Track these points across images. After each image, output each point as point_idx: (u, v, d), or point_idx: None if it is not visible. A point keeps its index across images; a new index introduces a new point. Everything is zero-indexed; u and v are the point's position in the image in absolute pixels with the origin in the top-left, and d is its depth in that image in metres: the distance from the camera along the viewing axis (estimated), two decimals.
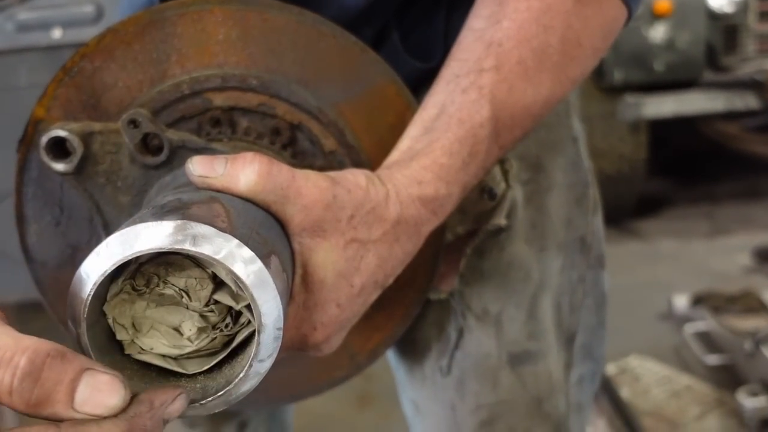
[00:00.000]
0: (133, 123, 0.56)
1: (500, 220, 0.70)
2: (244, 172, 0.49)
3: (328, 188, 0.52)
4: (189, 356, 0.46)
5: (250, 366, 0.44)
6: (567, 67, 0.63)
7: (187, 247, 0.41)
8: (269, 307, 0.43)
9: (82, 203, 0.63)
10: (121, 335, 0.45)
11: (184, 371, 0.46)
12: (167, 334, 0.46)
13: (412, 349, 0.80)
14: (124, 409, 0.39)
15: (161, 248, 0.41)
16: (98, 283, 0.41)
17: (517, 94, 0.61)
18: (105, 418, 0.38)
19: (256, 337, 0.43)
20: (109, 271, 0.41)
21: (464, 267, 0.74)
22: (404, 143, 0.60)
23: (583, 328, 0.83)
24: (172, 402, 0.41)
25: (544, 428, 0.79)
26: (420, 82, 0.71)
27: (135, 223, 0.42)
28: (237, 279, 0.42)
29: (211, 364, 0.46)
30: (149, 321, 0.45)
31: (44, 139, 0.56)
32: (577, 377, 0.83)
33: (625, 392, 2.32)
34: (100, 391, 0.38)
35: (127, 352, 0.46)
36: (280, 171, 0.50)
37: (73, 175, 0.57)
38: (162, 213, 0.43)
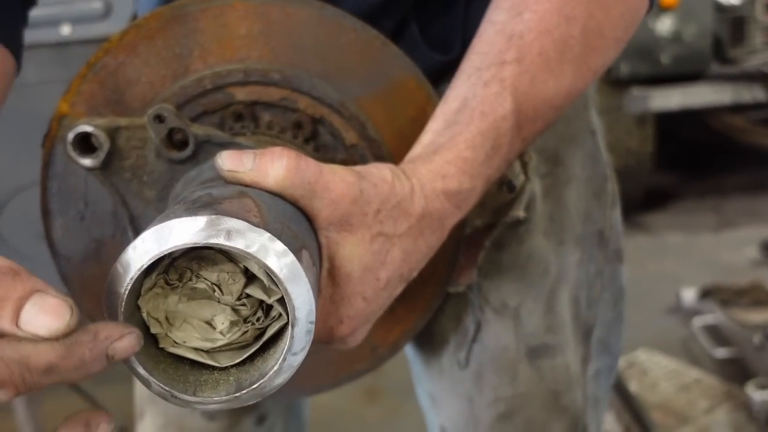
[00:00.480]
0: (159, 118, 0.56)
1: (519, 212, 0.70)
2: (272, 166, 0.49)
3: (354, 183, 0.52)
4: (221, 349, 0.47)
5: (284, 359, 0.44)
6: (589, 58, 0.63)
7: (222, 241, 0.41)
8: (302, 301, 0.43)
9: (106, 198, 0.64)
10: (155, 329, 0.46)
11: (216, 364, 0.47)
12: (199, 327, 0.46)
13: (429, 341, 0.81)
14: (67, 335, 0.39)
15: (196, 243, 0.41)
16: (135, 277, 0.41)
17: (540, 86, 0.61)
18: (46, 340, 0.38)
19: (289, 331, 0.44)
20: (146, 266, 0.41)
21: (483, 260, 0.74)
22: (426, 137, 0.60)
23: (601, 323, 0.83)
24: (120, 339, 0.40)
25: (561, 422, 0.79)
26: (439, 75, 0.71)
27: (168, 218, 0.42)
28: (271, 273, 0.43)
29: (243, 357, 0.47)
30: (182, 315, 0.46)
31: (70, 135, 0.56)
32: (594, 371, 0.83)
33: (633, 386, 2.32)
34: (45, 312, 0.38)
35: (161, 346, 0.46)
36: (307, 166, 0.50)
37: (99, 170, 0.57)
38: (194, 208, 0.43)
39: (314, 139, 0.65)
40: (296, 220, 0.49)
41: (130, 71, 0.63)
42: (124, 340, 0.40)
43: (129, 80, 0.63)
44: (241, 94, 0.63)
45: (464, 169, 0.58)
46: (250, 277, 0.46)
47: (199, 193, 0.47)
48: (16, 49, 0.71)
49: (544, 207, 0.77)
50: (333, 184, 0.51)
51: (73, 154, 0.56)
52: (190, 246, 0.42)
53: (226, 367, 0.47)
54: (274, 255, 0.42)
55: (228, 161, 0.50)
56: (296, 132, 0.64)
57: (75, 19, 2.21)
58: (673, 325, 2.77)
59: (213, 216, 0.42)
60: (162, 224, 0.41)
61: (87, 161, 0.56)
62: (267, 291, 0.45)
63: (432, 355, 0.81)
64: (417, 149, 0.60)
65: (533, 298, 0.77)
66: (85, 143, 0.57)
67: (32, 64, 2.27)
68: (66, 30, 2.22)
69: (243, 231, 0.42)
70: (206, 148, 0.57)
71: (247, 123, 0.64)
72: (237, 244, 0.42)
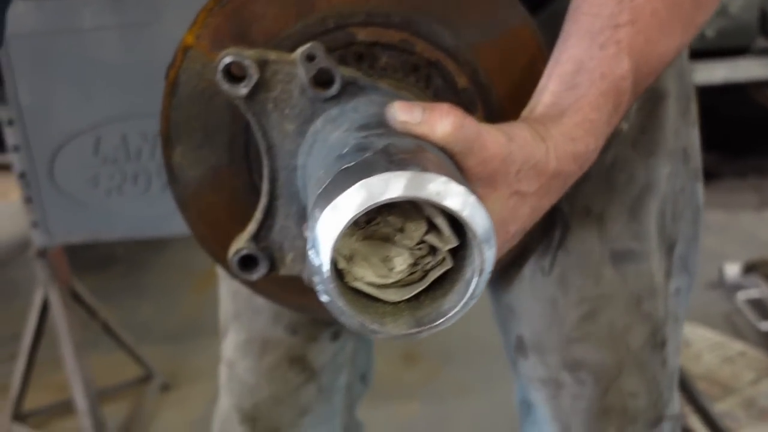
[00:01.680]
0: (310, 57, 0.58)
1: (621, 124, 0.71)
2: (441, 122, 0.52)
3: (505, 144, 0.55)
4: (389, 286, 0.51)
5: (466, 303, 0.48)
6: (696, 15, 0.65)
7: (436, 199, 0.44)
8: (490, 255, 0.47)
9: (224, 127, 0.66)
10: (341, 264, 0.49)
11: (387, 299, 0.50)
12: (376, 266, 0.50)
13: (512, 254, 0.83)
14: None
15: (414, 197, 0.44)
16: (355, 217, 0.44)
17: (653, 45, 0.63)
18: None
19: (476, 277, 0.47)
20: (370, 207, 0.44)
21: None
22: (546, 97, 0.62)
23: (681, 239, 0.85)
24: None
25: (642, 328, 0.82)
26: (539, 3, 0.74)
27: (376, 171, 0.44)
28: (471, 233, 0.46)
29: (411, 295, 0.51)
30: (362, 253, 0.50)
31: (221, 64, 0.57)
32: (675, 288, 0.86)
33: None
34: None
35: (345, 280, 0.50)
36: (470, 124, 0.53)
37: (244, 99, 0.59)
38: (398, 161, 0.45)
39: (428, 81, 0.66)
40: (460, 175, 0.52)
41: (256, 7, 0.64)
42: None
43: (255, 15, 0.64)
44: (362, 34, 0.64)
45: (590, 131, 0.60)
46: (431, 226, 0.50)
47: (380, 142, 0.49)
48: None
49: (636, 118, 0.79)
50: (489, 143, 0.54)
51: (222, 82, 0.58)
52: (407, 199, 0.44)
53: (397, 303, 0.50)
54: (479, 215, 0.45)
55: (401, 113, 0.53)
56: (418, 76, 0.65)
57: None
58: (716, 299, 2.75)
59: (421, 172, 0.44)
60: (381, 176, 0.43)
61: (235, 89, 0.58)
62: (443, 240, 0.49)
63: (513, 266, 0.84)
64: (539, 108, 0.62)
65: (617, 205, 0.80)
66: (229, 73, 0.58)
67: (87, 10, 2.26)
68: None
69: (447, 188, 0.44)
70: (349, 90, 0.59)
71: (366, 63, 0.64)
72: (448, 203, 0.44)
